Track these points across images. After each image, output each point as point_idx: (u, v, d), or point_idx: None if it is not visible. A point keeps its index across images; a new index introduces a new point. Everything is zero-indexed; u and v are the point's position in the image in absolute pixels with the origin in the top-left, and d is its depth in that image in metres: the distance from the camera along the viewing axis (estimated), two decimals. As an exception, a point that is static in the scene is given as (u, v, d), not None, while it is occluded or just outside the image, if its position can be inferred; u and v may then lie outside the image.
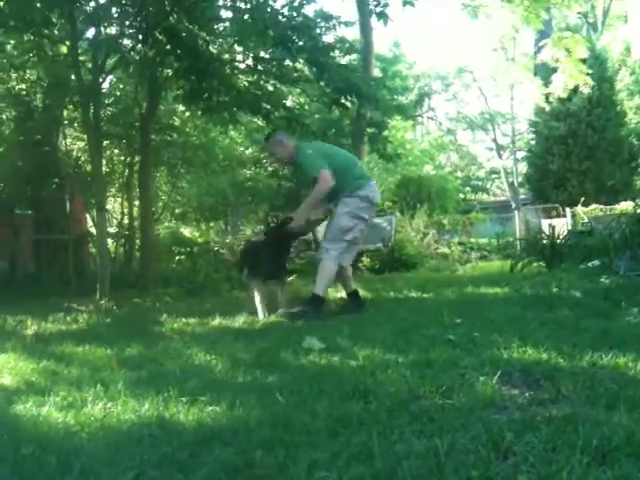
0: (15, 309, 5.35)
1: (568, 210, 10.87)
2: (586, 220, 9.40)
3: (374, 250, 8.71)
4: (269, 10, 6.00)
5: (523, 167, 20.63)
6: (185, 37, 6.41)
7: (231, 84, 7.25)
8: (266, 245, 4.44)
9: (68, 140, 9.83)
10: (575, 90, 12.45)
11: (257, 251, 4.49)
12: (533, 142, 17.53)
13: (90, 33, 6.74)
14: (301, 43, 6.30)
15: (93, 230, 9.42)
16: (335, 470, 1.37)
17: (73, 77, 6.96)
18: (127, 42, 6.85)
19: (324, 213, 4.32)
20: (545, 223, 9.60)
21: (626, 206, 9.04)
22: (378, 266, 9.21)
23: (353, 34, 11.57)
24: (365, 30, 9.36)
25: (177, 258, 10.69)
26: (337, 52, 8.14)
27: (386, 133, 9.77)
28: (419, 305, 4.24)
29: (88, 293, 6.34)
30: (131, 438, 1.70)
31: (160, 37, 6.42)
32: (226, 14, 6.83)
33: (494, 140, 25.17)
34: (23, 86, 8.86)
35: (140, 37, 6.58)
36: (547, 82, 12.54)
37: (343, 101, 7.25)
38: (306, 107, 10.35)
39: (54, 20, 6.16)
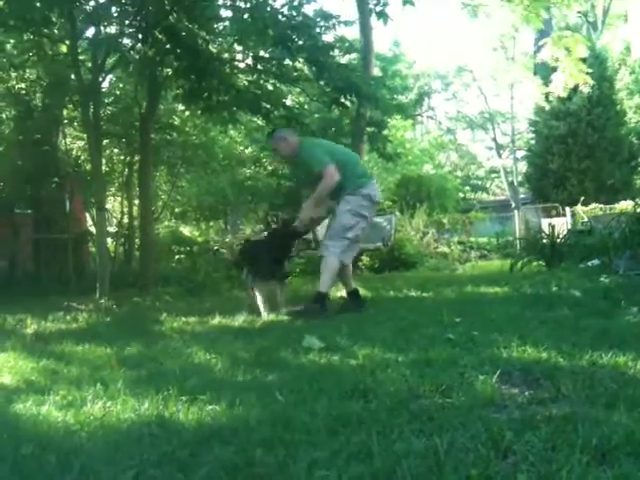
0: (15, 308, 5.36)
1: (568, 209, 10.86)
2: (586, 219, 9.40)
3: (374, 249, 8.68)
4: (269, 9, 6.00)
5: (523, 166, 20.63)
6: (185, 36, 6.40)
7: (231, 83, 7.25)
8: (267, 245, 4.44)
9: (68, 139, 9.83)
10: (575, 89, 12.45)
11: (257, 251, 4.49)
12: (533, 141, 17.52)
13: (90, 32, 6.75)
14: (301, 42, 6.30)
15: (93, 229, 9.41)
16: (335, 469, 1.37)
17: (73, 76, 6.96)
18: (127, 41, 6.85)
19: (326, 210, 4.33)
20: (545, 222, 9.60)
21: (626, 205, 9.04)
22: (378, 265, 9.22)
23: (353, 33, 11.55)
24: (365, 29, 9.34)
25: (177, 257, 10.70)
26: (337, 51, 8.15)
27: (386, 132, 9.76)
28: (419, 304, 4.24)
29: (88, 292, 6.34)
30: (131, 437, 1.70)
31: (160, 36, 6.42)
32: (226, 13, 6.84)
33: (494, 139, 25.16)
34: (23, 85, 8.85)
35: (140, 36, 6.58)
36: (547, 81, 12.54)
37: (343, 100, 7.25)
38: (306, 106, 10.35)
39: (54, 19, 6.16)
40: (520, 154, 21.97)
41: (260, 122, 8.98)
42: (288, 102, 9.01)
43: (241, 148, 13.25)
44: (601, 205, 10.92)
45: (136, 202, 9.61)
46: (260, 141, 12.42)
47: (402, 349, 2.57)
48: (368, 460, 1.41)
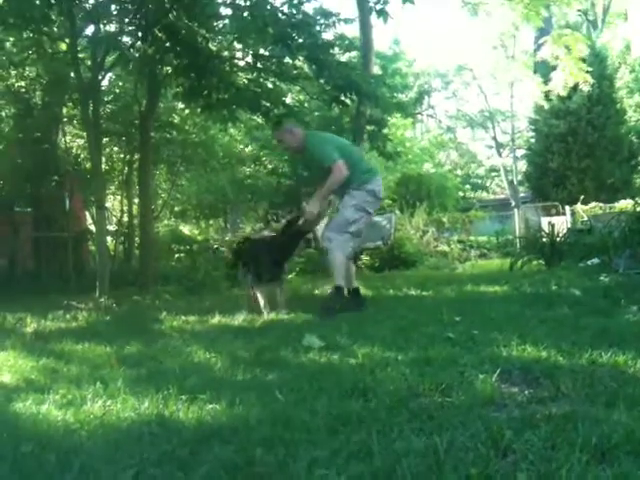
0: (14, 307, 5.36)
1: (568, 208, 10.86)
2: (586, 218, 9.39)
3: (374, 248, 8.71)
4: (269, 7, 5.99)
5: (523, 165, 20.62)
6: (184, 34, 6.40)
7: (230, 81, 7.24)
8: (268, 245, 4.44)
9: (67, 137, 9.83)
10: (575, 88, 12.44)
11: (258, 251, 4.48)
12: (533, 140, 17.52)
13: (89, 30, 6.75)
14: (301, 40, 6.30)
15: (92, 228, 9.42)
16: (335, 468, 1.37)
17: (72, 74, 6.96)
18: (126, 39, 6.85)
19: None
20: (545, 221, 9.59)
21: (626, 204, 9.04)
22: (378, 264, 9.22)
23: (353, 31, 11.52)
24: (365, 27, 9.33)
25: (176, 256, 10.70)
26: (337, 49, 8.14)
27: (386, 131, 9.76)
28: (418, 303, 4.24)
29: (87, 291, 6.35)
30: (131, 436, 1.70)
31: (159, 34, 6.41)
32: (225, 11, 6.83)
33: (494, 138, 25.13)
34: (22, 83, 8.85)
35: (139, 34, 6.58)
36: (547, 80, 12.54)
37: (343, 99, 7.24)
38: (306, 104, 10.35)
39: (53, 17, 6.16)
40: (520, 153, 21.96)
41: (260, 120, 8.97)
42: (288, 100, 9.02)
43: (241, 146, 13.26)
44: (601, 204, 10.92)
45: (136, 200, 9.61)
46: (260, 139, 12.43)
47: (402, 348, 2.57)
48: (368, 459, 1.41)
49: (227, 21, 6.89)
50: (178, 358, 2.82)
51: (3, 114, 9.51)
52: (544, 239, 6.85)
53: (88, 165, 8.74)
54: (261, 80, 7.96)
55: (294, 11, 6.26)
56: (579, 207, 10.64)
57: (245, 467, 1.42)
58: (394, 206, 11.80)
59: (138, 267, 8.16)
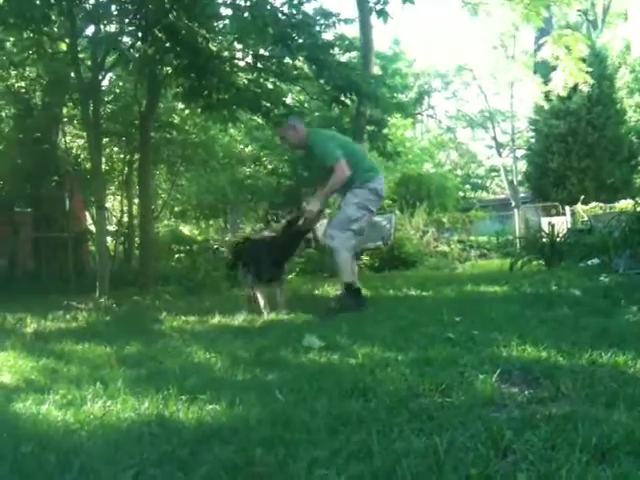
0: (14, 307, 5.36)
1: (568, 208, 10.86)
2: (586, 218, 9.39)
3: (374, 248, 8.72)
4: (269, 8, 5.99)
5: (523, 165, 20.61)
6: (185, 35, 6.40)
7: (231, 82, 7.24)
8: (268, 245, 4.44)
9: (68, 138, 9.83)
10: (575, 88, 12.43)
11: (258, 251, 4.47)
12: (533, 140, 17.51)
13: (90, 30, 6.75)
14: (301, 41, 6.30)
15: (92, 228, 9.42)
16: (335, 468, 1.37)
17: (73, 75, 6.96)
18: (127, 40, 6.86)
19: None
20: (545, 221, 9.59)
21: (626, 204, 9.04)
22: (378, 264, 9.21)
23: (353, 32, 11.53)
24: (365, 28, 9.32)
25: (176, 256, 10.71)
26: (337, 50, 8.14)
27: (386, 131, 9.77)
28: (418, 303, 4.23)
29: (87, 291, 6.35)
30: (131, 436, 1.70)
31: (160, 35, 6.42)
32: (226, 11, 6.84)
33: (494, 138, 25.13)
34: (22, 83, 8.86)
35: (140, 35, 6.58)
36: (547, 80, 12.54)
37: (343, 99, 7.25)
38: (306, 105, 10.35)
39: (53, 17, 6.16)
40: (520, 153, 21.96)
41: (260, 121, 8.98)
42: (288, 100, 9.01)
43: (241, 147, 13.26)
44: (601, 204, 10.92)
45: (136, 201, 9.62)
46: (260, 140, 12.43)
47: (402, 348, 2.57)
48: (368, 459, 1.41)
49: (227, 21, 6.90)
50: (178, 358, 2.82)
51: (3, 114, 9.51)
52: (544, 239, 6.84)
53: (88, 165, 8.74)
54: (261, 80, 7.97)
55: (294, 11, 6.26)
56: (579, 207, 10.65)
57: (245, 467, 1.42)
58: (394, 206, 11.80)
59: (138, 267, 8.16)
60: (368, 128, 8.99)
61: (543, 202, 13.80)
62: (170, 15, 6.30)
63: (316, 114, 10.99)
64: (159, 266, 8.66)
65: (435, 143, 27.12)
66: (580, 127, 15.03)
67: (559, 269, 5.73)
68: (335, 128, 10.23)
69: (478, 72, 24.08)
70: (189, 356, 2.85)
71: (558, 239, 6.69)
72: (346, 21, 7.57)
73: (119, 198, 11.37)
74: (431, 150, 25.02)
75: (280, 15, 6.09)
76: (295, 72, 7.78)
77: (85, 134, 7.71)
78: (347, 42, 8.95)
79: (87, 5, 6.24)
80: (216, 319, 4.12)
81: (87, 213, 10.46)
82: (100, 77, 6.84)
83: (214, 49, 7.34)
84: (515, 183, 20.49)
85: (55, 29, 6.80)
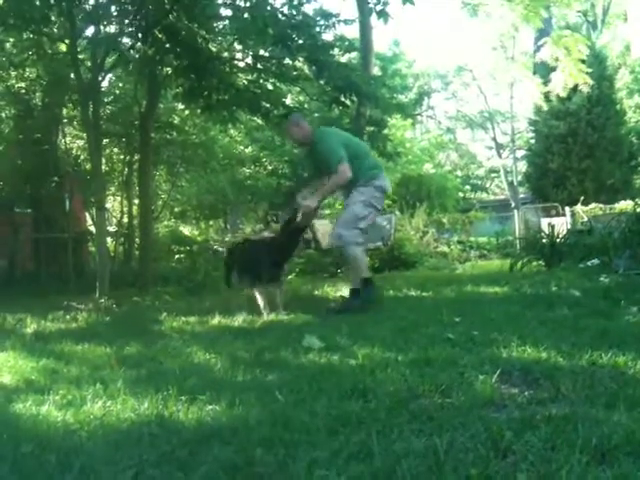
0: (14, 307, 5.36)
1: (567, 209, 10.87)
2: (585, 219, 9.39)
3: (374, 249, 8.70)
4: (269, 8, 6.00)
5: (523, 166, 20.63)
6: (184, 35, 6.41)
7: (230, 82, 7.25)
8: (268, 245, 4.43)
9: (67, 138, 9.84)
10: (575, 89, 12.44)
11: (257, 252, 4.45)
12: (533, 141, 17.53)
13: (89, 31, 6.76)
14: (300, 41, 6.31)
15: (92, 229, 9.43)
16: (334, 469, 1.37)
17: (72, 75, 6.97)
18: (126, 40, 6.86)
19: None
20: (544, 222, 9.60)
21: (625, 205, 9.05)
22: (378, 265, 9.19)
23: (353, 32, 11.55)
24: (365, 28, 9.34)
25: (176, 257, 10.71)
26: (337, 50, 8.15)
27: (386, 131, 9.77)
28: (418, 304, 4.23)
29: (87, 292, 6.35)
30: (130, 437, 1.70)
31: (159, 35, 6.42)
32: (225, 12, 6.85)
33: (494, 139, 25.16)
34: (22, 84, 8.86)
35: (139, 35, 6.58)
36: (546, 81, 12.54)
37: (343, 99, 7.25)
38: (306, 105, 10.36)
39: (53, 18, 6.17)
40: (520, 154, 21.97)
41: (260, 121, 8.98)
42: (288, 101, 9.03)
43: (241, 147, 13.27)
44: (601, 205, 10.93)
45: (136, 201, 9.62)
46: (260, 140, 12.44)
47: (402, 349, 2.57)
48: (368, 460, 1.41)
49: (227, 22, 6.90)
50: (178, 359, 2.82)
51: (3, 115, 9.52)
52: (544, 240, 6.84)
53: (88, 166, 8.75)
54: (261, 81, 7.97)
55: (294, 12, 6.28)
56: (579, 208, 10.65)
57: (245, 467, 1.42)
58: (394, 207, 11.80)
59: (138, 268, 8.16)
60: (368, 129, 9.00)
61: (543, 203, 13.82)
62: (170, 16, 6.30)
63: (316, 115, 10.99)
64: (159, 267, 8.67)
65: (435, 144, 27.12)
66: (580, 128, 15.04)
67: (559, 270, 5.72)
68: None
69: (478, 73, 24.17)
70: (189, 357, 2.85)
71: (558, 240, 6.68)
72: (346, 22, 7.58)
73: (119, 199, 11.38)
74: (431, 151, 25.02)
75: (280, 16, 6.10)
76: (295, 73, 7.78)
77: (85, 135, 7.72)
78: (347, 43, 8.97)
79: (87, 6, 6.25)
80: (216, 320, 4.12)
81: (87, 214, 10.46)
82: (100, 78, 6.84)
83: (214, 50, 7.35)
84: (515, 184, 20.50)
85: (55, 30, 6.81)
